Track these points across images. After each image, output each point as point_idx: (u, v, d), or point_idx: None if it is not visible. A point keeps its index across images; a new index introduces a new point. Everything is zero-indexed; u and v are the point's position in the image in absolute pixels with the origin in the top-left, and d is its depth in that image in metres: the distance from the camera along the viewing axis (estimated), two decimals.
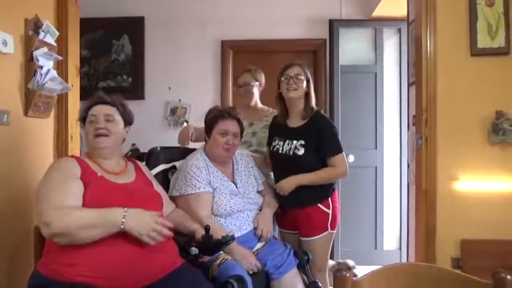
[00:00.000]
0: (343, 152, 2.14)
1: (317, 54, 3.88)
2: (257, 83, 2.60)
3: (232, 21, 3.86)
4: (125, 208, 1.40)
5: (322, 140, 2.09)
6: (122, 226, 1.38)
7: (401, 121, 3.79)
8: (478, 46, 2.21)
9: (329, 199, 2.14)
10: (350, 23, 3.80)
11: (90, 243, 1.38)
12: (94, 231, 1.37)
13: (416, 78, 2.38)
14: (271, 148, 2.22)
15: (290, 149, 2.12)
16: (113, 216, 1.39)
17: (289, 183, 2.10)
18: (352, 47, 3.83)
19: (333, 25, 3.72)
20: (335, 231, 2.16)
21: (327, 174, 2.11)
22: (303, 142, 2.09)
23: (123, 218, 1.38)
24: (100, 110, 1.68)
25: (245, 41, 3.83)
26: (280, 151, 2.15)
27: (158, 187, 1.81)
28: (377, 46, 3.83)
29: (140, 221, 1.39)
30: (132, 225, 1.38)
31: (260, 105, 2.64)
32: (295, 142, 2.11)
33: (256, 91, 2.61)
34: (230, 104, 3.75)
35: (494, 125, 2.18)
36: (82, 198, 1.46)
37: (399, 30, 3.78)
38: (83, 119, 1.72)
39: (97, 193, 1.49)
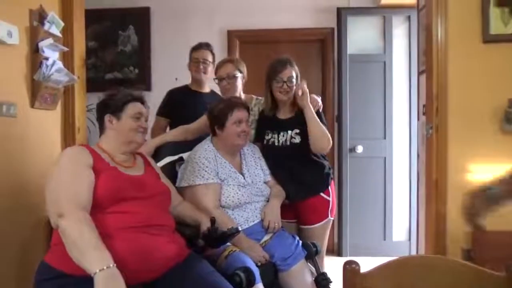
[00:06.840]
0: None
1: (325, 43, 3.84)
2: (240, 74, 2.34)
3: (238, 10, 3.82)
4: (110, 265, 1.27)
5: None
6: (92, 275, 1.25)
7: (410, 111, 3.73)
8: (490, 32, 2.15)
9: (329, 187, 2.20)
10: (358, 11, 3.74)
11: (102, 237, 1.35)
12: (76, 254, 1.31)
13: (426, 66, 2.33)
14: (265, 142, 2.20)
15: (286, 139, 2.13)
16: (91, 263, 1.27)
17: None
18: (361, 36, 3.78)
19: (341, 14, 3.67)
20: (333, 218, 2.22)
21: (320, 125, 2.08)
22: (298, 131, 2.12)
23: (99, 271, 1.25)
24: (144, 111, 1.71)
25: (252, 30, 3.79)
26: (276, 144, 2.16)
27: (165, 180, 1.82)
28: (386, 35, 3.77)
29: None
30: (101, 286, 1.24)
31: (243, 96, 2.37)
32: (289, 132, 2.13)
33: (240, 83, 2.34)
34: None
35: (507, 113, 2.13)
36: (95, 186, 1.46)
37: (409, 18, 3.71)
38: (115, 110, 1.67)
39: (111, 182, 1.50)
